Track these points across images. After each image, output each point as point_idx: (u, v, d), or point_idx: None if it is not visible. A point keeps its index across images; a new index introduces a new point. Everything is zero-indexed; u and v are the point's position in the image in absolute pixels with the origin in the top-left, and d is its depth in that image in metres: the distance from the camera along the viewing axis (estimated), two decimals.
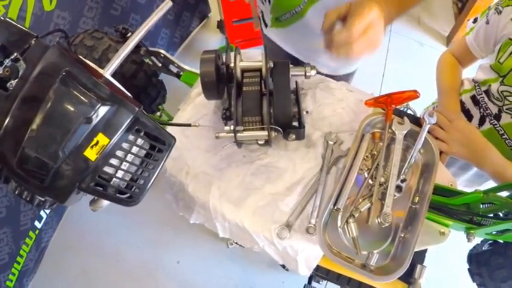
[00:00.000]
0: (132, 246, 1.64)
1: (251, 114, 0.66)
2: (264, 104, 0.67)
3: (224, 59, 0.74)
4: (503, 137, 0.81)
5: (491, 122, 0.83)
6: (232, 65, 0.71)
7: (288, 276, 1.55)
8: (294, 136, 0.70)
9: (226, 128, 0.66)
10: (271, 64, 0.70)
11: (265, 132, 0.65)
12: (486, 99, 0.83)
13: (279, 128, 0.66)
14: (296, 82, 0.77)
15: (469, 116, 0.90)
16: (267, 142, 0.69)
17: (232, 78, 0.71)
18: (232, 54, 0.73)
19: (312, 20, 0.85)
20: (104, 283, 1.57)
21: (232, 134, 0.65)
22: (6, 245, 1.31)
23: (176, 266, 1.60)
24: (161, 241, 1.65)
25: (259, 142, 0.69)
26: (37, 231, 1.49)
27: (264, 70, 0.70)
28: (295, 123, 0.70)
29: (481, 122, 0.86)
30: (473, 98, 0.88)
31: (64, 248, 1.63)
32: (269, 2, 0.90)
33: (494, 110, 0.81)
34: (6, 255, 1.32)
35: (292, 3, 0.84)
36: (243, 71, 0.72)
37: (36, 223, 1.47)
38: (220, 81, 0.70)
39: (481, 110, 0.85)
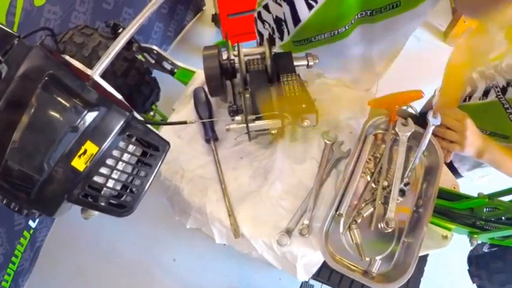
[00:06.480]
0: (127, 243, 1.62)
1: (261, 104, 0.62)
2: (273, 93, 0.63)
3: (225, 54, 0.71)
4: (508, 111, 0.79)
5: (498, 95, 0.81)
6: (233, 57, 0.69)
7: (284, 272, 1.53)
8: (307, 122, 0.62)
9: (237, 118, 0.62)
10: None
11: (279, 121, 0.61)
12: (493, 71, 0.81)
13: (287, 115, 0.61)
14: (298, 74, 0.74)
15: (473, 87, 0.88)
16: (279, 133, 0.65)
17: (235, 72, 0.69)
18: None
19: (355, 41, 0.82)
20: (99, 281, 1.55)
21: (243, 125, 0.60)
22: (0, 246, 1.28)
23: (172, 263, 1.58)
24: (157, 238, 1.63)
25: (272, 132, 0.64)
26: (31, 231, 1.46)
27: (267, 53, 0.66)
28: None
29: (485, 93, 0.84)
30: (482, 72, 0.87)
31: (59, 246, 1.61)
32: (293, 24, 0.82)
33: (501, 83, 0.79)
34: (1, 256, 1.30)
35: (337, 23, 0.78)
36: (246, 62, 0.69)
37: (31, 222, 1.45)
38: (223, 77, 0.68)
39: (487, 81, 0.84)
